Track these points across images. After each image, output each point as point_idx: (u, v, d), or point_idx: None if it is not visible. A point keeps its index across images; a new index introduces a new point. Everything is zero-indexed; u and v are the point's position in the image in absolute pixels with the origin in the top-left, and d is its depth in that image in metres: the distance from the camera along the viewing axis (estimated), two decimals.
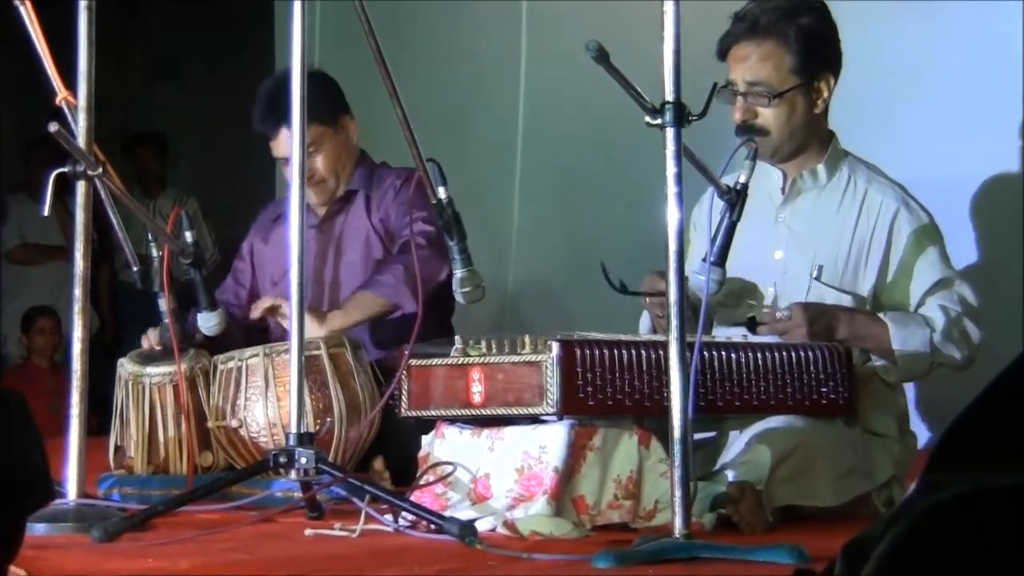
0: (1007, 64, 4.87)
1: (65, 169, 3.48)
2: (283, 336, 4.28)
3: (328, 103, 4.52)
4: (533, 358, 3.32)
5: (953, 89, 5.11)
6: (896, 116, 5.16)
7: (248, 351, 4.08)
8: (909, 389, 4.06)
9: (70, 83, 3.58)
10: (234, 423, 4.04)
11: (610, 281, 3.60)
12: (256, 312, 4.42)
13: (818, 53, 3.81)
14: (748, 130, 3.74)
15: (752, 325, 3.69)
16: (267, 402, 4.01)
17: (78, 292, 3.53)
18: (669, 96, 2.91)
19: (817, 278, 3.78)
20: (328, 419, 3.94)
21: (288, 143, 4.35)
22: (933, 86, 5.15)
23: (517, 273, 6.59)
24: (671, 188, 2.91)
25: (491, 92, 6.86)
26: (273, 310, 4.39)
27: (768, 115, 3.79)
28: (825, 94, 3.84)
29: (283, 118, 4.30)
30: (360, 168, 4.64)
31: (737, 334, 3.67)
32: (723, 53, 3.84)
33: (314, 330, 4.15)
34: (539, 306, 6.50)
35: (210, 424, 4.07)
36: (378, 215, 4.57)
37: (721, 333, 3.76)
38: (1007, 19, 4.88)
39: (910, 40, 5.23)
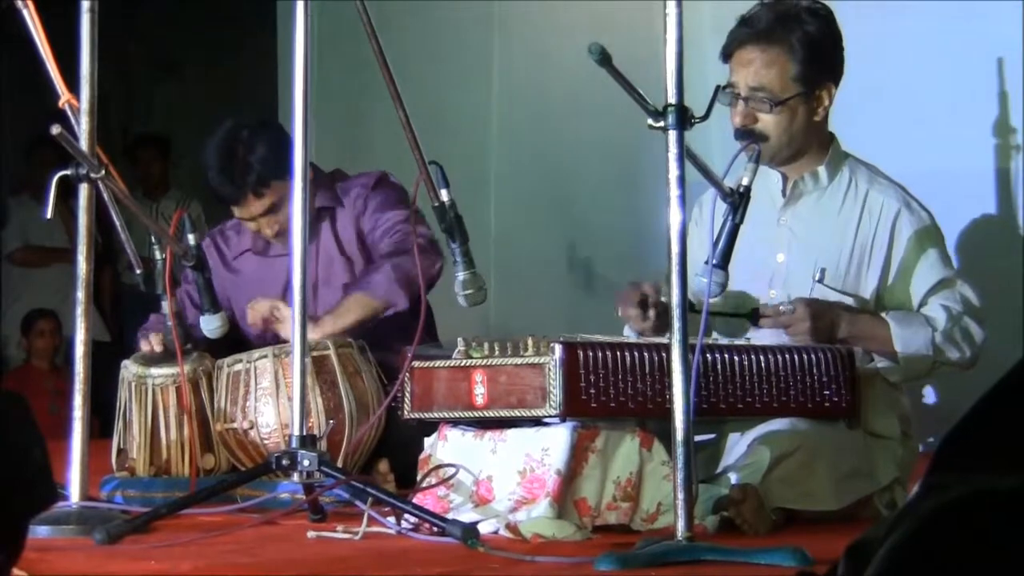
0: (993, 62, 4.89)
1: (68, 172, 3.48)
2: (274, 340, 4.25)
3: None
4: (536, 360, 3.32)
5: (950, 87, 5.11)
6: (886, 113, 5.17)
7: (256, 353, 4.07)
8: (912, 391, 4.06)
9: (71, 84, 3.58)
10: (245, 425, 4.04)
11: None
12: (254, 317, 4.35)
13: (822, 62, 3.80)
14: (747, 135, 3.73)
15: (755, 317, 3.69)
16: (278, 403, 4.00)
17: (81, 295, 3.53)
18: (672, 98, 2.91)
19: (820, 280, 3.77)
20: (331, 420, 3.94)
21: (255, 207, 4.32)
22: (922, 83, 5.16)
23: (497, 276, 6.58)
24: (673, 191, 2.91)
25: (463, 94, 6.84)
26: (268, 320, 4.32)
27: (768, 121, 3.78)
28: (826, 102, 3.83)
29: (245, 186, 4.26)
30: (320, 190, 4.43)
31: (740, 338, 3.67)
32: (727, 56, 3.83)
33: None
34: (520, 308, 6.48)
35: (218, 427, 4.07)
36: (351, 230, 4.45)
37: (721, 337, 3.76)
38: (998, 20, 4.89)
39: (898, 38, 5.24)
